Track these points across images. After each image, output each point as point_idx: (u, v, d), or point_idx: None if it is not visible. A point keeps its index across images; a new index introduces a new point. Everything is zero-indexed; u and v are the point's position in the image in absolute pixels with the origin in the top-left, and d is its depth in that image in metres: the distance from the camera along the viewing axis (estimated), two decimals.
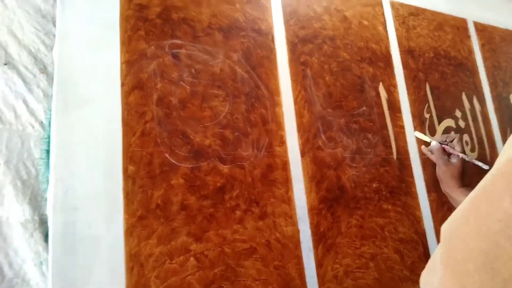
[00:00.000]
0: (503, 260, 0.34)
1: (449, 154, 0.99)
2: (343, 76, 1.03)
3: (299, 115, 0.93)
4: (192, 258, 0.73)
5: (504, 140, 1.32)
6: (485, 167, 0.94)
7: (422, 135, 1.06)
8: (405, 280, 0.96)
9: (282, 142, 0.89)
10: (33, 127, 0.67)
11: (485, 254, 0.35)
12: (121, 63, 0.74)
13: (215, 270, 0.74)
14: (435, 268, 0.41)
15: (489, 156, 1.25)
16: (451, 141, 1.00)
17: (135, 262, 0.68)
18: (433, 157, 1.03)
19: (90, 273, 0.64)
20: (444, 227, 0.41)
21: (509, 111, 1.39)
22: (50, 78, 0.70)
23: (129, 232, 0.68)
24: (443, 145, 1.00)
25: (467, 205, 0.39)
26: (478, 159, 1.17)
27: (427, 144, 1.05)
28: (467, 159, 0.96)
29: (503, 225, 0.34)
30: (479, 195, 0.38)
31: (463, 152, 0.97)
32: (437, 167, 1.00)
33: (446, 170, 0.97)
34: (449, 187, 0.96)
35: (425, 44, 1.25)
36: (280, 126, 0.89)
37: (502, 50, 1.46)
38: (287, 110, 0.91)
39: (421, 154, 1.10)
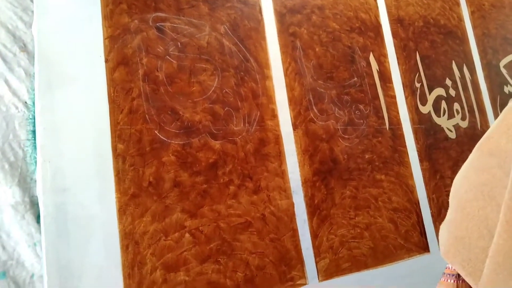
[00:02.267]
0: (498, 189, 0.39)
1: None
2: (333, 46, 1.02)
3: (290, 88, 0.92)
4: (187, 234, 0.72)
5: (494, 107, 1.33)
6: None
7: None
8: (399, 248, 0.97)
9: (274, 116, 0.88)
10: (16, 107, 0.65)
11: (484, 185, 0.41)
12: (104, 39, 0.72)
13: (211, 245, 0.74)
14: (446, 218, 0.47)
15: (480, 124, 1.26)
16: None
17: (130, 240, 0.67)
18: None
19: (84, 252, 0.63)
20: (457, 177, 0.47)
21: (499, 79, 1.39)
22: (31, 56, 0.67)
23: (122, 210, 0.68)
24: None
25: (474, 150, 0.45)
26: (469, 126, 1.18)
27: None
28: None
29: (499, 160, 0.40)
30: (483, 141, 0.44)
31: None
32: None
33: None
34: None
35: (414, 12, 1.23)
36: (271, 99, 0.88)
37: (491, 17, 1.44)
38: (278, 83, 0.90)
39: (413, 123, 1.10)
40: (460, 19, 1.36)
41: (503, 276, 0.37)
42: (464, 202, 0.42)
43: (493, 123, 0.44)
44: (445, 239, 0.44)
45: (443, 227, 0.47)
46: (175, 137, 0.75)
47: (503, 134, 0.41)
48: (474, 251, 0.40)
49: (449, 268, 0.47)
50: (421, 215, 1.04)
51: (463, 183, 0.44)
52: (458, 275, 0.45)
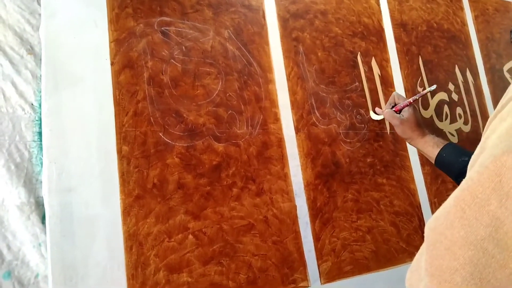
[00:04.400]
0: (492, 269, 0.31)
1: (400, 112, 0.96)
2: (335, 51, 1.03)
3: (292, 92, 0.92)
4: (190, 236, 0.73)
5: None
6: (432, 87, 0.91)
7: (376, 115, 1.04)
8: (401, 252, 0.97)
9: (277, 119, 0.88)
10: (23, 109, 0.67)
11: (473, 263, 0.32)
12: (110, 42, 0.73)
13: (214, 247, 0.75)
14: (420, 272, 0.38)
15: (482, 128, 1.26)
16: (395, 103, 0.97)
17: (134, 241, 0.68)
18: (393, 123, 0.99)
19: (89, 253, 0.64)
20: (428, 228, 0.38)
21: (502, 83, 1.39)
22: (37, 58, 0.69)
23: (127, 212, 0.68)
24: (392, 109, 0.97)
25: (451, 206, 0.35)
26: (471, 131, 1.18)
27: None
28: (416, 97, 0.94)
29: (491, 230, 0.32)
30: (464, 196, 0.34)
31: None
32: (396, 129, 0.95)
33: (404, 127, 0.92)
34: (414, 141, 0.93)
35: (418, 17, 1.23)
36: (273, 103, 0.89)
37: (495, 21, 1.45)
38: (280, 87, 0.91)
39: None
40: (464, 24, 1.36)
41: None
42: (448, 286, 0.33)
43: (475, 171, 0.34)
44: None
45: (416, 284, 0.39)
46: (179, 139, 0.76)
47: (493, 194, 0.32)
48: None
49: None
50: (423, 219, 1.04)
51: (443, 254, 0.34)
52: None
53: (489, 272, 0.31)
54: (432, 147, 0.89)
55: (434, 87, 0.91)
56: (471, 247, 0.32)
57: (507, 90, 0.43)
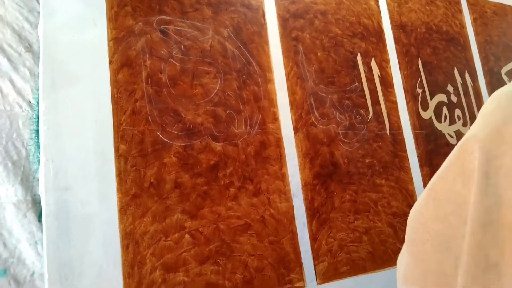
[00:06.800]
0: (455, 240, 0.37)
1: None
2: (335, 51, 1.02)
3: (291, 92, 0.92)
4: (187, 235, 0.73)
5: None
6: None
7: None
8: (398, 253, 0.97)
9: (275, 119, 0.88)
10: (20, 107, 0.66)
11: (441, 234, 0.38)
12: (109, 40, 0.73)
13: (211, 246, 0.75)
14: (403, 251, 0.45)
15: None
16: None
17: (130, 240, 0.68)
18: None
19: (85, 251, 0.64)
20: (411, 212, 0.44)
21: (501, 86, 1.39)
22: (36, 56, 0.68)
23: (123, 210, 0.68)
24: None
25: (428, 189, 0.42)
26: None
27: None
28: None
29: (455, 206, 0.37)
30: (437, 181, 0.41)
31: None
32: None
33: None
34: None
35: (417, 19, 1.23)
36: (272, 103, 0.89)
37: (494, 24, 1.45)
38: (279, 86, 0.91)
39: (414, 129, 1.10)
40: (462, 26, 1.36)
41: None
42: (421, 252, 0.40)
43: (447, 159, 0.41)
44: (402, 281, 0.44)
45: (400, 262, 0.45)
46: (177, 138, 0.76)
47: (458, 177, 0.38)
48: None
49: None
50: None
51: (419, 229, 0.42)
52: None
53: (452, 243, 0.37)
54: None
55: None
56: (440, 222, 0.39)
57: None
